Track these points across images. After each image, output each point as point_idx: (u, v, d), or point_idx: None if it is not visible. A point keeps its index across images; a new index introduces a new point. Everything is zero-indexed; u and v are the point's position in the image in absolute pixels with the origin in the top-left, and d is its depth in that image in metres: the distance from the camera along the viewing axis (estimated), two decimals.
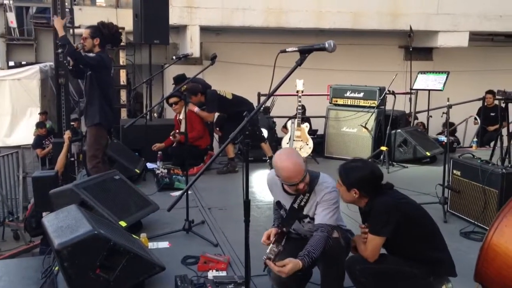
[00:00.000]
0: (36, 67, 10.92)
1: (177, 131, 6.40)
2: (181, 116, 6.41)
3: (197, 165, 6.24)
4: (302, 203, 2.89)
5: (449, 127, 9.06)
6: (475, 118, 9.35)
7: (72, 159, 8.09)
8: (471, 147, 8.44)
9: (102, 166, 4.95)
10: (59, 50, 4.84)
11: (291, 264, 2.60)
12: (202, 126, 6.51)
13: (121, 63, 9.92)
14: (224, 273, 3.40)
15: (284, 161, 2.77)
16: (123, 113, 9.87)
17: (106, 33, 4.91)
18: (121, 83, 9.93)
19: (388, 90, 7.03)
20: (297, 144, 6.98)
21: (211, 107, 6.40)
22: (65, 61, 4.70)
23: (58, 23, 4.84)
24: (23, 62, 12.39)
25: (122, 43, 9.57)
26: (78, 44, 4.94)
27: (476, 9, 11.58)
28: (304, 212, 2.92)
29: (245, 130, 2.29)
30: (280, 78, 2.32)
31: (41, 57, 11.12)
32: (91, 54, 4.85)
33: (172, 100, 6.43)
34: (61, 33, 4.78)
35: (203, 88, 6.41)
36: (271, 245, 2.70)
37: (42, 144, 9.86)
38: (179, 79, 7.11)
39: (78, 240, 2.80)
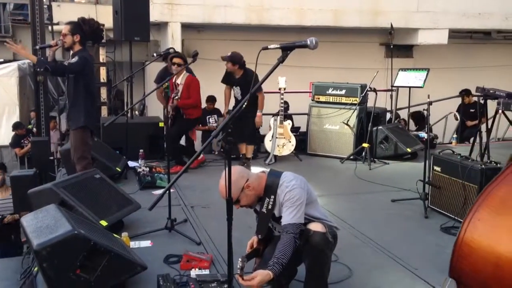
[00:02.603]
0: (14, 65, 10.72)
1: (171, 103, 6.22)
2: (179, 81, 6.27)
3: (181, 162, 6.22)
4: (270, 206, 2.88)
5: (419, 117, 9.21)
6: (454, 115, 9.47)
7: (52, 158, 7.99)
8: (451, 143, 8.56)
9: (91, 167, 4.82)
10: (39, 69, 4.66)
11: (259, 276, 2.60)
12: (199, 96, 6.42)
13: (101, 60, 9.76)
14: (207, 272, 3.38)
15: (220, 182, 2.73)
16: (104, 111, 9.73)
17: (86, 29, 4.76)
18: (101, 80, 9.77)
19: (370, 87, 7.08)
20: (279, 141, 6.99)
21: (259, 87, 6.07)
22: (37, 69, 4.56)
23: (19, 50, 4.69)
24: (1, 60, 12.15)
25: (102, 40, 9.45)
26: (57, 40, 4.82)
27: (455, 7, 11.74)
28: (277, 215, 2.91)
29: (227, 127, 2.28)
30: (262, 75, 2.31)
31: (19, 55, 10.90)
32: (73, 60, 4.71)
33: (176, 60, 6.21)
34: (32, 58, 4.73)
35: (239, 65, 6.28)
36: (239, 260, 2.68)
37: (21, 143, 9.70)
38: (169, 53, 7.06)
39: (57, 240, 2.75)
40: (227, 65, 6.34)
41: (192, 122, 6.54)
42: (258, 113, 6.47)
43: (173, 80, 6.30)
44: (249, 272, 2.71)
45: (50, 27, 8.91)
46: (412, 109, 9.10)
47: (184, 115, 6.37)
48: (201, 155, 6.64)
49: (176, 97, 6.20)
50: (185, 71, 6.36)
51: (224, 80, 6.64)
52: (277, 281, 3.02)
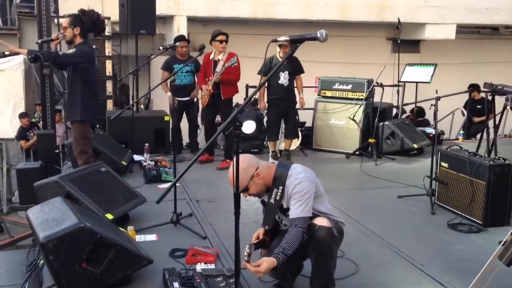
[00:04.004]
0: (20, 58, 10.68)
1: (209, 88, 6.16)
2: (220, 56, 6.13)
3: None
4: (278, 197, 2.87)
5: (418, 113, 9.16)
6: (461, 111, 9.42)
7: (57, 151, 8.00)
8: (457, 139, 8.50)
9: (93, 161, 4.82)
10: (30, 57, 4.66)
11: (265, 263, 2.60)
12: (240, 75, 6.29)
13: (106, 53, 9.76)
14: (212, 266, 3.37)
15: (229, 171, 2.73)
16: (109, 105, 9.74)
17: (86, 21, 4.68)
18: (107, 74, 9.78)
19: (376, 82, 7.04)
20: None
21: (302, 69, 6.65)
22: (29, 58, 4.57)
23: (10, 48, 4.78)
24: (6, 52, 12.15)
25: (108, 33, 9.42)
26: (58, 34, 4.76)
27: (463, 2, 11.64)
28: (284, 206, 2.90)
29: (235, 121, 2.25)
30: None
31: (25, 47, 10.82)
32: (70, 51, 4.67)
33: (222, 37, 6.24)
34: (23, 51, 4.77)
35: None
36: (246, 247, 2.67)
37: (26, 136, 9.71)
38: (180, 38, 7.06)
39: (64, 233, 2.75)
40: (281, 48, 6.30)
41: (230, 101, 6.47)
42: (302, 95, 6.64)
43: (210, 57, 6.24)
44: None
45: (56, 20, 8.90)
46: (423, 105, 9.05)
47: (222, 95, 6.20)
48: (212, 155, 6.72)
49: (219, 73, 6.03)
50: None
51: (264, 71, 6.32)
52: (282, 275, 3.02)
